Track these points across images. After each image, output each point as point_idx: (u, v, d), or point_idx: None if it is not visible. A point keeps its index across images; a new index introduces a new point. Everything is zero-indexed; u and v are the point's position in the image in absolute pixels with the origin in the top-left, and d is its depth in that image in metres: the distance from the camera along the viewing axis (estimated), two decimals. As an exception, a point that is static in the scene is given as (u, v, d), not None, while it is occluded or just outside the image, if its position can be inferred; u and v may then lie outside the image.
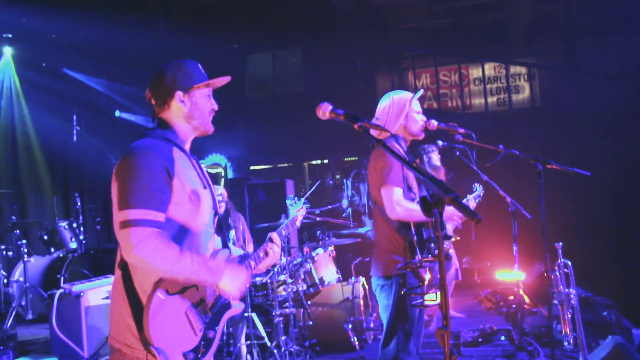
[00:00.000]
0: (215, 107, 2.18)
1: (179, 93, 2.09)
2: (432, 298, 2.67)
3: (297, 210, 2.52)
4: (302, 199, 2.61)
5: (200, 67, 2.19)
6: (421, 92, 3.02)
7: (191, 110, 2.11)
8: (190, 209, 2.00)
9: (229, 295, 2.10)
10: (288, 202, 2.60)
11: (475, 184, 3.66)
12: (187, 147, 2.16)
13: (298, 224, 2.50)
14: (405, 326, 2.78)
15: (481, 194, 3.60)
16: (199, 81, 2.12)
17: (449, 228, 3.50)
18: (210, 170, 10.76)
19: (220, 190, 5.23)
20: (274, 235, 2.32)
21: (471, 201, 3.43)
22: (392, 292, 2.81)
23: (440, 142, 3.49)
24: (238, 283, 2.04)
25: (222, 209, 5.22)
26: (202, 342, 1.99)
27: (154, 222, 1.84)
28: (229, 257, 2.20)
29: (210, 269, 1.93)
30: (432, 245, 2.72)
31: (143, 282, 1.90)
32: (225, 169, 10.64)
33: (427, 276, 2.76)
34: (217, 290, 2.08)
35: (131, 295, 1.90)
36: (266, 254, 2.28)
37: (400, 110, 2.94)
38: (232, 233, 4.71)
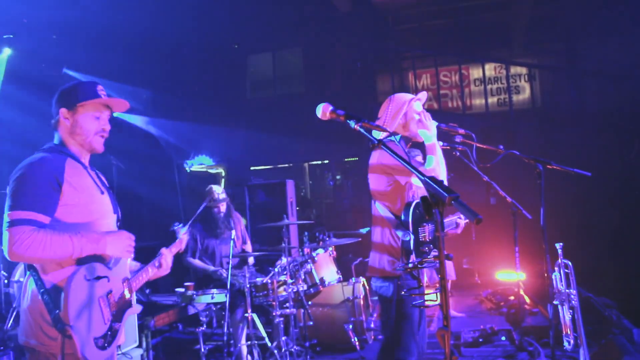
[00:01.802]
0: (107, 127, 2.32)
1: (63, 110, 2.26)
2: (432, 298, 2.67)
3: (182, 235, 2.91)
4: (186, 226, 3.51)
5: (100, 88, 2.30)
6: (424, 94, 3.01)
7: (73, 128, 2.26)
8: (84, 209, 2.15)
9: (120, 257, 2.25)
10: (175, 227, 3.48)
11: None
12: (85, 159, 2.30)
13: (183, 245, 2.83)
14: (406, 327, 2.77)
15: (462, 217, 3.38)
16: (84, 99, 2.24)
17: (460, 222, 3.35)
18: (210, 171, 10.75)
19: (220, 189, 5.29)
20: (164, 250, 2.58)
21: (461, 220, 3.34)
22: (392, 294, 2.80)
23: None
24: (121, 244, 2.20)
25: (223, 206, 5.26)
26: (109, 332, 2.12)
27: (34, 222, 2.00)
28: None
29: (92, 239, 2.09)
30: (427, 249, 2.67)
31: (53, 276, 2.05)
32: (225, 169, 10.63)
33: (425, 278, 2.75)
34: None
35: (41, 288, 2.03)
36: (160, 265, 2.52)
37: (399, 109, 2.94)
38: (233, 233, 4.73)
